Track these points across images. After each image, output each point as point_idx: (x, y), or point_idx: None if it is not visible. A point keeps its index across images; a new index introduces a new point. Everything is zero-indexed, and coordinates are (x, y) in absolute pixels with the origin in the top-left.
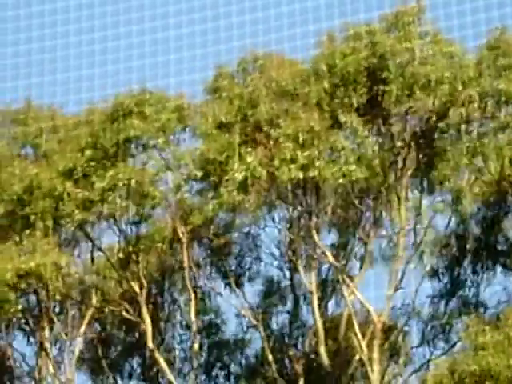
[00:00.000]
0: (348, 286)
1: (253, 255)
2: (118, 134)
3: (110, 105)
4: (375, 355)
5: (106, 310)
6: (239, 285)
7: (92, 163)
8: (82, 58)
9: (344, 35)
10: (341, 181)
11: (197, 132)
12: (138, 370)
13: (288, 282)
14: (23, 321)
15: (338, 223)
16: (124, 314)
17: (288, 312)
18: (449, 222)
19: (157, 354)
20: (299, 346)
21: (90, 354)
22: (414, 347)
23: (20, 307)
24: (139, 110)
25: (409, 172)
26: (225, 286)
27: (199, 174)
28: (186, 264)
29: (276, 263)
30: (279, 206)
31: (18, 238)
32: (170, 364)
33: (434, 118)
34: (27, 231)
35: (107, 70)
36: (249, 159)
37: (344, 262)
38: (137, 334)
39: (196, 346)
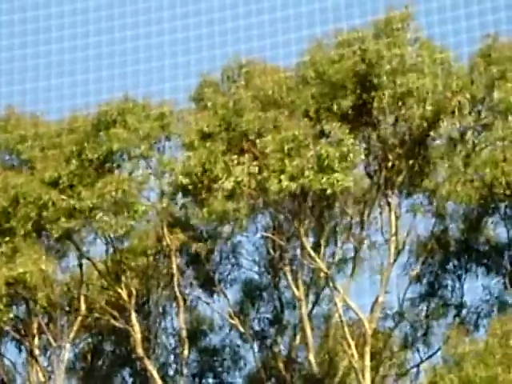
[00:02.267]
0: (338, 292)
1: (236, 262)
2: (103, 145)
3: (94, 113)
4: (367, 362)
5: (95, 318)
6: (223, 291)
7: (78, 172)
8: (76, 63)
9: (332, 42)
10: (329, 191)
11: (181, 141)
12: (129, 381)
13: (273, 289)
14: (13, 329)
15: (326, 229)
16: (112, 321)
17: (274, 319)
18: (434, 227)
19: (146, 361)
20: (286, 353)
21: (80, 364)
22: (399, 351)
23: (11, 315)
24: (122, 118)
25: (399, 179)
26: (210, 295)
27: (185, 181)
28: (174, 271)
29: (260, 270)
30: (265, 213)
31: (3, 247)
32: (161, 372)
33: (425, 126)
34: (13, 239)
35: (101, 76)
36: (236, 168)
37: (332, 268)
38: (128, 346)
39: (186, 352)
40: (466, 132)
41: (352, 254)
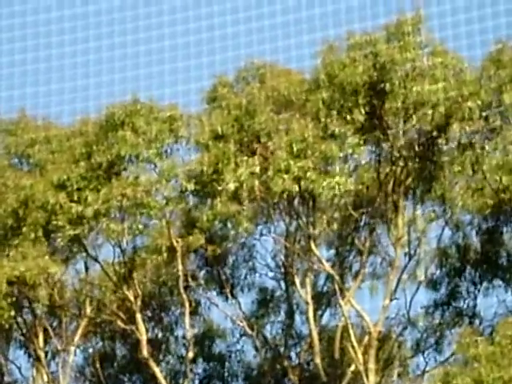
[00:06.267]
0: (344, 295)
1: (248, 266)
2: (111, 149)
3: (103, 116)
4: (371, 365)
5: (101, 320)
6: (234, 295)
7: (86, 174)
8: (76, 68)
9: (344, 45)
10: (331, 194)
11: (192, 142)
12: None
13: (283, 293)
14: (18, 331)
15: (335, 234)
16: (119, 323)
17: (283, 323)
18: (442, 233)
19: (151, 363)
20: (294, 357)
21: (90, 369)
22: (408, 358)
23: (13, 313)
24: (131, 121)
25: (407, 182)
26: (225, 299)
27: (190, 186)
28: (180, 274)
29: (271, 274)
30: (276, 217)
31: (9, 248)
32: (167, 375)
33: (434, 132)
34: (22, 243)
35: (102, 81)
36: (241, 169)
37: (340, 271)
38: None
39: (190, 355)
40: (474, 137)
41: (360, 259)
